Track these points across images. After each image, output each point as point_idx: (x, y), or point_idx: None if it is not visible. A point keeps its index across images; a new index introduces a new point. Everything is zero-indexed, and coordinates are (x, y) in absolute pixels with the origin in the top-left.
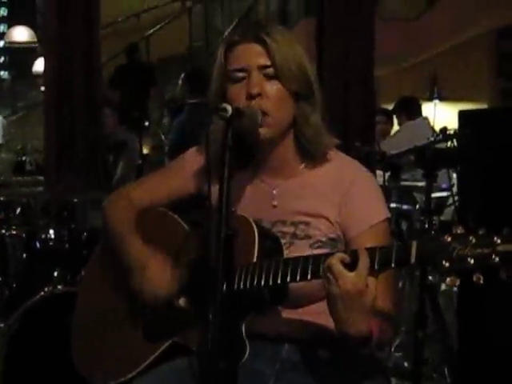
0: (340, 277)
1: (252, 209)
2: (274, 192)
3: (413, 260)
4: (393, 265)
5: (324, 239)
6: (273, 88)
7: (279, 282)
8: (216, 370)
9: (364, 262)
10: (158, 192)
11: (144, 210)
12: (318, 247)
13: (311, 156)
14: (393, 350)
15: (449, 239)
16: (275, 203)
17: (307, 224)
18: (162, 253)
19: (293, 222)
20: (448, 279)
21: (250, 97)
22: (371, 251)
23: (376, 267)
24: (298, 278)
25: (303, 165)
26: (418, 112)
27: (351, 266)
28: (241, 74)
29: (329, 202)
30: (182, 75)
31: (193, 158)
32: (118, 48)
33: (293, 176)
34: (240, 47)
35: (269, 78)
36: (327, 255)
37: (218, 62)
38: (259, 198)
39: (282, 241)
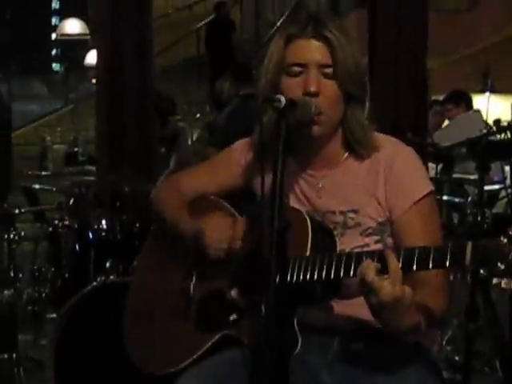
0: (377, 290)
1: (302, 201)
2: (320, 184)
3: (467, 262)
4: (447, 264)
5: (374, 225)
6: (329, 88)
7: (333, 277)
8: (268, 363)
9: (393, 267)
10: (207, 182)
11: (196, 199)
12: (368, 235)
13: (357, 152)
14: (444, 343)
15: (505, 240)
16: (322, 194)
17: (356, 211)
18: None
19: (341, 212)
20: (503, 282)
21: (308, 94)
22: (408, 252)
23: (415, 268)
24: (351, 273)
25: (347, 153)
26: (468, 105)
27: (383, 269)
28: (298, 69)
29: (375, 184)
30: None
31: (240, 151)
32: (169, 39)
33: (338, 165)
34: (300, 42)
35: (327, 77)
36: (379, 252)
37: (276, 54)
38: (307, 190)
39: (334, 232)
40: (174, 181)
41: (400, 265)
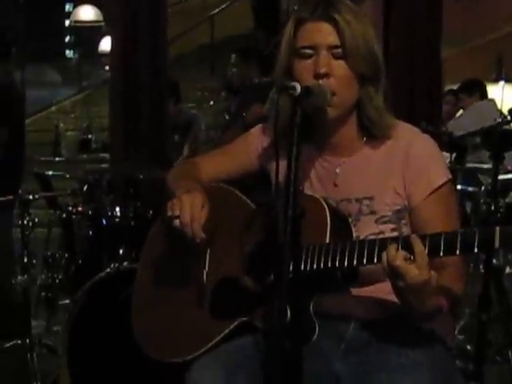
0: (405, 274)
1: (317, 187)
2: (337, 170)
3: (497, 245)
4: (475, 250)
5: (389, 213)
6: (340, 68)
7: (355, 263)
8: (282, 350)
9: (420, 252)
10: (224, 166)
11: (209, 186)
12: (384, 222)
13: (373, 135)
14: (456, 332)
15: None
16: (339, 181)
17: (371, 199)
18: (225, 230)
19: (357, 199)
20: None
21: (317, 76)
22: (435, 237)
23: (441, 254)
24: (375, 259)
25: (364, 139)
26: (482, 94)
27: (407, 255)
28: (309, 51)
29: (391, 171)
30: (234, 57)
31: (258, 136)
32: (183, 27)
33: (354, 152)
34: (309, 24)
35: (337, 58)
36: (404, 238)
37: (287, 38)
38: (323, 177)
39: (349, 219)
40: (189, 162)
41: (426, 250)
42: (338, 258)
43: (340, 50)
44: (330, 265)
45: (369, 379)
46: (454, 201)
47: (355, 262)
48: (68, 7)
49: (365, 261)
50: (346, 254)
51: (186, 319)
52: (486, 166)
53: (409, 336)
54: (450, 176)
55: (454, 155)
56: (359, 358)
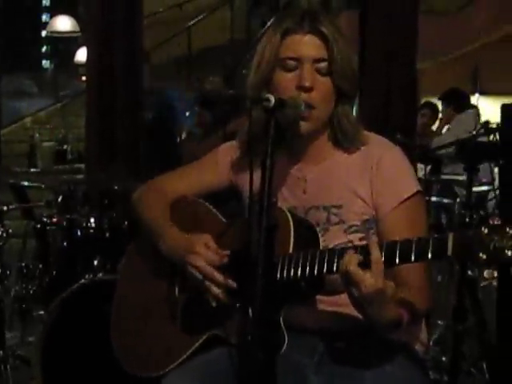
0: (358, 281)
1: (285, 197)
2: (307, 178)
3: (449, 252)
4: (429, 256)
5: (358, 223)
6: (324, 83)
7: (316, 273)
8: (255, 362)
9: (375, 259)
10: (192, 183)
11: (178, 201)
12: (353, 232)
13: (345, 147)
14: (431, 344)
15: (486, 231)
16: (307, 189)
17: (339, 207)
18: None
19: (325, 207)
20: (486, 272)
21: (300, 88)
22: (391, 245)
23: (397, 261)
24: (334, 269)
25: (334, 149)
26: (466, 104)
27: (365, 263)
28: (293, 64)
29: (360, 181)
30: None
31: (226, 152)
32: (160, 38)
33: (324, 160)
34: (296, 36)
35: (321, 72)
36: (362, 246)
37: (270, 47)
38: (293, 185)
39: (317, 228)
40: (156, 182)
41: (382, 258)
42: (299, 268)
43: (325, 65)
44: (292, 275)
45: None
46: (422, 213)
47: (316, 272)
48: (45, 18)
49: (325, 270)
50: (308, 263)
51: (160, 334)
52: (461, 178)
53: (382, 349)
54: (420, 188)
55: (428, 167)
56: (333, 370)
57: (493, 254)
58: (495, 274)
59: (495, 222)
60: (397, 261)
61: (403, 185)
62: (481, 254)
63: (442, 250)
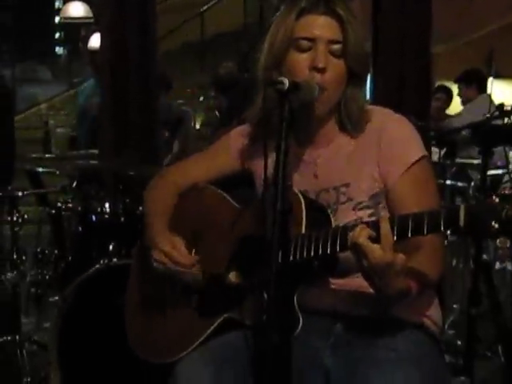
0: (367, 253)
1: (297, 181)
2: (318, 162)
3: (462, 223)
4: (442, 228)
5: (366, 199)
6: (337, 65)
7: (329, 251)
8: (271, 344)
9: (384, 232)
10: (205, 169)
11: (190, 189)
12: (362, 208)
13: (350, 128)
14: (446, 327)
15: (496, 200)
16: (318, 172)
17: (347, 186)
18: (209, 230)
19: (334, 188)
20: (498, 240)
21: (315, 69)
22: (403, 218)
23: (409, 234)
24: (348, 245)
25: (340, 131)
26: (480, 86)
27: (376, 238)
28: (307, 44)
29: (366, 156)
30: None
31: (238, 137)
32: (173, 24)
33: (331, 142)
34: (311, 17)
35: (334, 54)
36: (373, 221)
37: (285, 27)
38: (303, 170)
39: (328, 210)
40: (169, 171)
41: (395, 232)
42: (312, 247)
43: (339, 47)
44: (305, 255)
45: (359, 373)
46: (430, 179)
47: (329, 250)
48: (58, 4)
49: (338, 246)
50: (320, 241)
51: (175, 319)
52: (475, 162)
53: (398, 331)
54: (425, 153)
55: (443, 151)
56: (348, 352)
57: (505, 222)
58: (508, 244)
59: (506, 191)
60: (409, 234)
61: (408, 150)
62: (493, 223)
63: (453, 220)
